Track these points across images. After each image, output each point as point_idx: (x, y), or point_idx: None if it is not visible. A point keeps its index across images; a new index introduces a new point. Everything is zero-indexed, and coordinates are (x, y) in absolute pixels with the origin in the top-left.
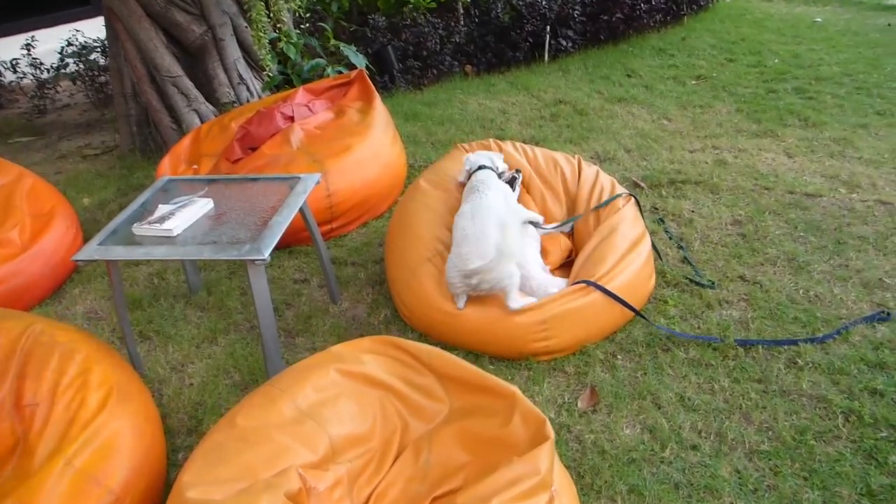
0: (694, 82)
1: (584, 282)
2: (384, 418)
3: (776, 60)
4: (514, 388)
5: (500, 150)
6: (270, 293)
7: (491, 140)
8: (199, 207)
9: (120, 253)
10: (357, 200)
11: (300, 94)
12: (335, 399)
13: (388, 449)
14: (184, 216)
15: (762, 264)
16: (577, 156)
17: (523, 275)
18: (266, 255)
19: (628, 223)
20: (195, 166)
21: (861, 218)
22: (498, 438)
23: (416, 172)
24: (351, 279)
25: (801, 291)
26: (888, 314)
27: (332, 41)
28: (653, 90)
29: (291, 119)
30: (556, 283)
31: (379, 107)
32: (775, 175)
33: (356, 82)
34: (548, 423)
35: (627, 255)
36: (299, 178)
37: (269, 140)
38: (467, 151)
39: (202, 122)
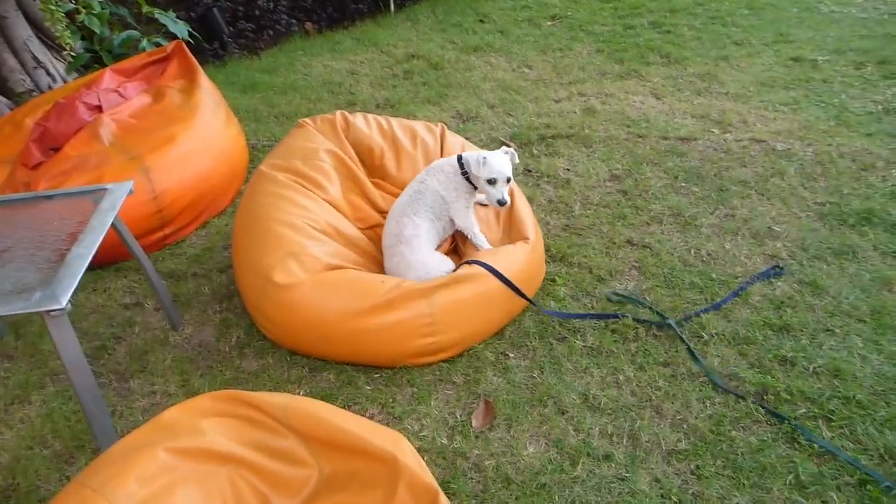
0: (549, 23)
1: (475, 262)
2: (238, 501)
3: None
4: (395, 449)
5: (347, 125)
6: (96, 325)
7: (337, 113)
8: None
9: None
10: (191, 199)
11: (107, 77)
12: (169, 490)
13: None
14: None
15: (648, 224)
16: (439, 123)
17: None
18: (64, 302)
19: (519, 198)
20: None
21: (738, 160)
22: None
23: (261, 154)
24: (193, 296)
25: (692, 251)
26: (781, 268)
27: (147, 8)
28: (508, 35)
29: (99, 109)
30: (444, 265)
31: (204, 83)
32: (647, 120)
33: (174, 56)
34: (441, 496)
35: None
36: (105, 189)
37: (73, 137)
38: (313, 128)
39: None
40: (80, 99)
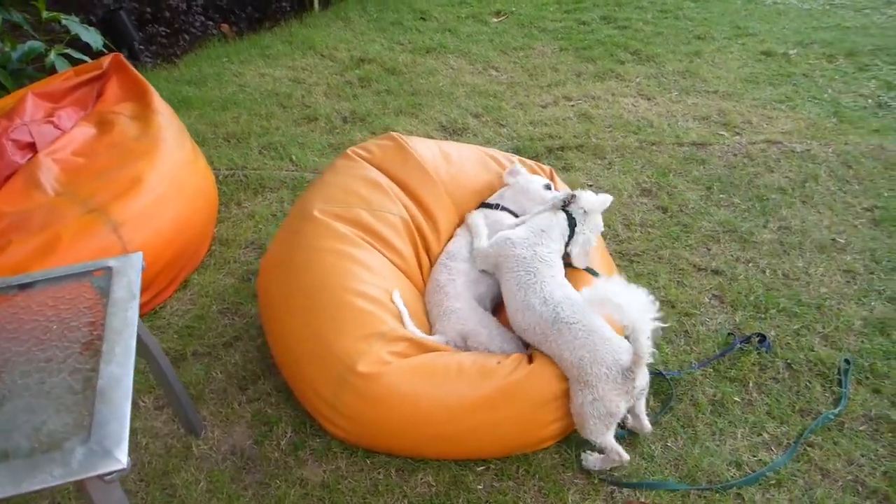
0: (496, 20)
1: None
2: None
3: None
4: None
5: (405, 145)
6: None
7: (393, 134)
8: None
9: None
10: (170, 255)
11: (30, 104)
12: None
13: None
14: None
15: (706, 244)
16: (548, 167)
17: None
18: (125, 459)
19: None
20: None
21: (764, 165)
22: None
23: (225, 187)
24: (204, 383)
25: (767, 273)
26: (765, 337)
27: (47, 13)
28: (458, 34)
29: (32, 147)
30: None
31: (160, 107)
32: (650, 125)
33: (113, 73)
34: None
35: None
36: (108, 267)
37: (2, 188)
38: (362, 158)
39: None
40: (6, 136)
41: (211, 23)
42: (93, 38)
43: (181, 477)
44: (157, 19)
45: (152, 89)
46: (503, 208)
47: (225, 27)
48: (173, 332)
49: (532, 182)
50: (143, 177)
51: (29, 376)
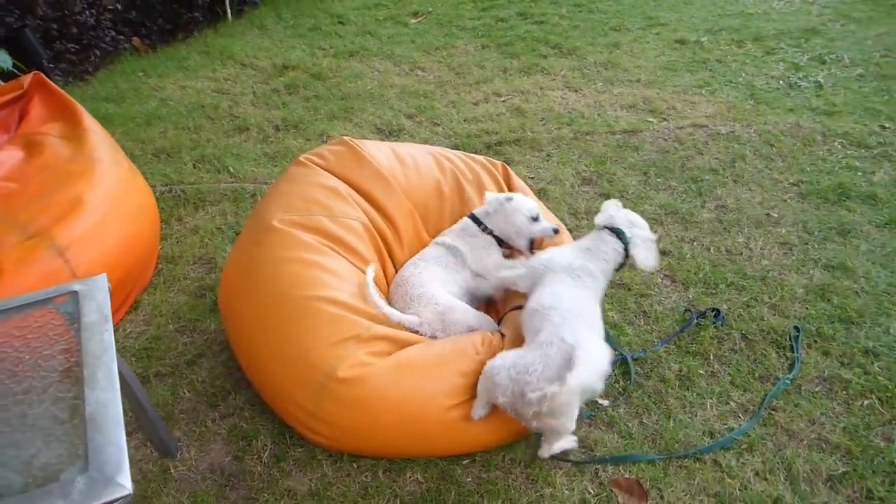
0: (415, 21)
1: None
2: None
3: None
4: None
5: (359, 149)
6: None
7: (344, 138)
8: None
9: None
10: (119, 276)
11: None
12: None
13: None
14: None
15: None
16: (500, 162)
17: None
18: (129, 483)
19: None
20: None
21: (694, 148)
22: None
23: (164, 203)
24: (172, 404)
25: (711, 249)
26: (719, 311)
27: None
28: (378, 36)
29: None
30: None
31: (91, 125)
32: (581, 116)
33: (35, 93)
34: None
35: None
36: (73, 291)
37: None
38: (316, 164)
39: None
40: None
41: (122, 37)
42: (1, 58)
43: (163, 501)
44: (65, 36)
45: (80, 107)
46: (489, 232)
47: (136, 41)
48: (131, 356)
49: (518, 212)
50: (84, 197)
51: (7, 410)
